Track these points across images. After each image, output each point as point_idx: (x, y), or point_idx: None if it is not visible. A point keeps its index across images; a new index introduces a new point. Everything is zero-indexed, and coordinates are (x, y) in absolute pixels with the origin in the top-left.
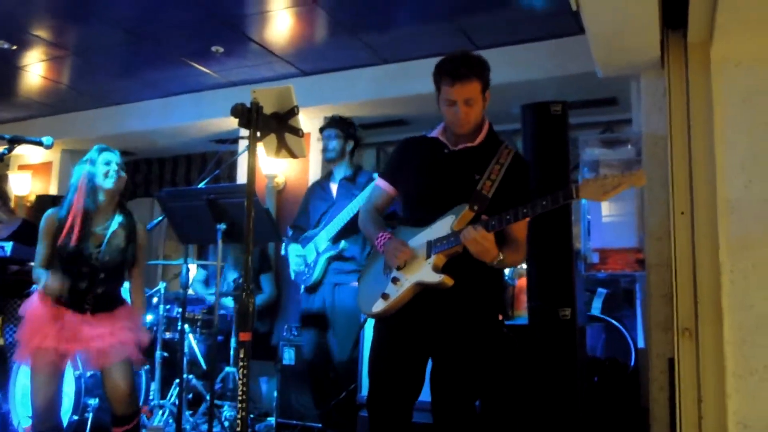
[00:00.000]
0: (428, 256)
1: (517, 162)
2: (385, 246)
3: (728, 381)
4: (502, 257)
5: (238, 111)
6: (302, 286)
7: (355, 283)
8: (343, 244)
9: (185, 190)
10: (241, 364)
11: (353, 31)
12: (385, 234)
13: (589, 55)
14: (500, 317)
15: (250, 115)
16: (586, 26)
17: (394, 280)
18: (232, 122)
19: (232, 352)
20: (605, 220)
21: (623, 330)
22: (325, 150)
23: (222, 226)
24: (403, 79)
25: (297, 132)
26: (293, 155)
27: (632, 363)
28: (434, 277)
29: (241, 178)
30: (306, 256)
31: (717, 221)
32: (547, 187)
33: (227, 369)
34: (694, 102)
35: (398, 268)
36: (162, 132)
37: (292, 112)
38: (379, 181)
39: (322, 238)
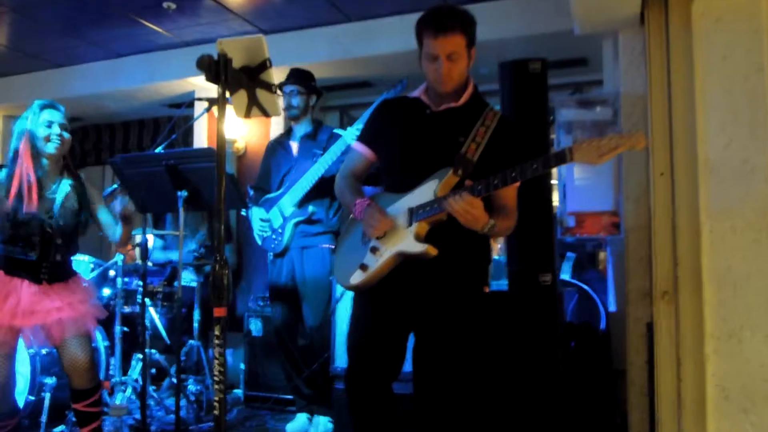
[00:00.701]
0: (409, 224)
1: (504, 125)
2: (363, 213)
3: (707, 343)
4: (492, 223)
5: (204, 63)
6: (270, 253)
7: (325, 245)
8: (311, 208)
9: (142, 155)
10: (217, 342)
11: None
12: (363, 200)
13: (559, 13)
14: (485, 290)
15: (218, 68)
16: None
17: (373, 250)
18: (186, 85)
19: (195, 325)
20: (580, 183)
21: (593, 294)
22: (288, 108)
23: (183, 194)
24: (368, 39)
25: (270, 87)
26: (266, 113)
27: (603, 327)
28: (417, 247)
29: (198, 143)
30: (271, 220)
31: (697, 182)
32: (527, 149)
33: (190, 342)
34: (674, 60)
35: (378, 238)
36: (111, 96)
37: (264, 65)
38: (356, 145)
39: (287, 203)
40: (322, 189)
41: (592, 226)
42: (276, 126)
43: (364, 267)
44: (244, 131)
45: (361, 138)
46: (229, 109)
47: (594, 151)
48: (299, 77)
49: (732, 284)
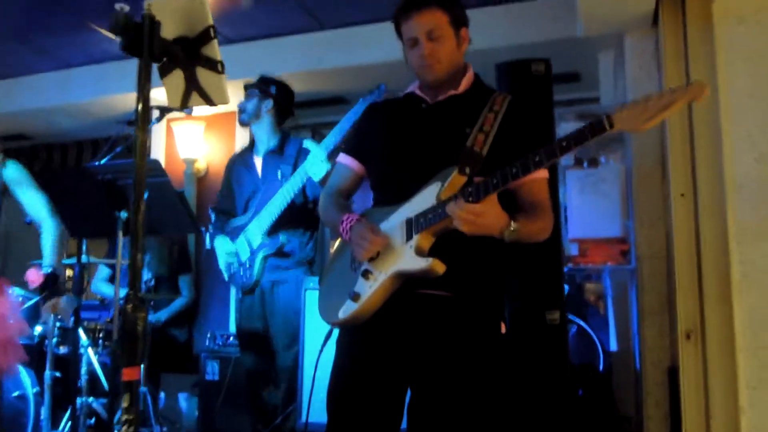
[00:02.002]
0: (409, 238)
1: (517, 108)
2: (351, 232)
3: (741, 394)
4: (514, 227)
5: (119, 22)
6: (239, 290)
7: (299, 279)
8: (282, 238)
9: (72, 170)
10: (125, 418)
11: None
12: (351, 216)
13: (548, 21)
14: (503, 328)
15: (138, 33)
16: None
17: (366, 275)
18: (153, 102)
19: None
20: (583, 205)
21: (591, 332)
22: (240, 112)
23: (123, 215)
24: (343, 48)
25: (214, 65)
26: (209, 100)
27: (601, 368)
28: (418, 263)
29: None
30: (238, 253)
31: (724, 203)
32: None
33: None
34: (693, 64)
35: (369, 259)
36: (61, 110)
37: (207, 34)
38: (341, 158)
39: (255, 232)
40: (294, 215)
41: (597, 255)
42: (241, 143)
43: (355, 296)
44: (205, 150)
45: (348, 149)
46: (187, 125)
47: (639, 115)
48: (258, 80)
49: None
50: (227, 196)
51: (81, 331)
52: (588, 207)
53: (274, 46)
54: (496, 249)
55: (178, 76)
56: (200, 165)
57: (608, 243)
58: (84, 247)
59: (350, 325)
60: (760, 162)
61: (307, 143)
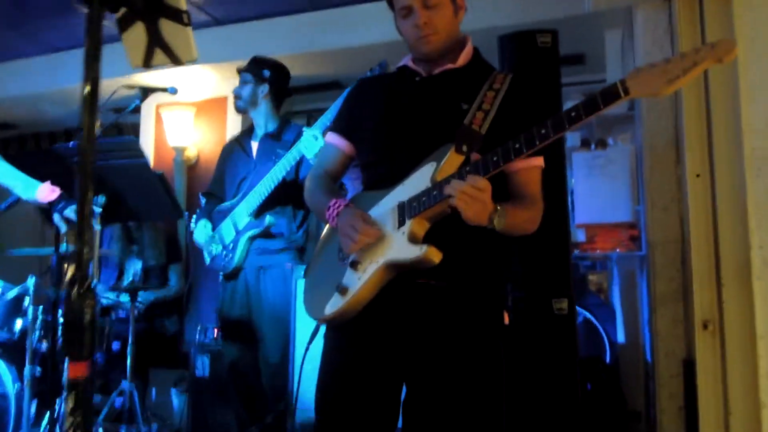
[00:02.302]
0: (401, 224)
1: (519, 86)
2: (338, 219)
3: (762, 387)
4: (499, 212)
5: None
6: (221, 274)
7: (288, 265)
8: (268, 219)
9: (41, 152)
10: (71, 422)
11: None
12: (339, 201)
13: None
14: (506, 318)
15: None
16: None
17: (354, 266)
18: (135, 84)
19: (129, 362)
20: (591, 189)
21: (596, 323)
22: (235, 98)
23: (100, 199)
24: (337, 29)
25: (179, 17)
26: (175, 58)
27: (608, 361)
28: (412, 251)
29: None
30: (222, 234)
31: (743, 184)
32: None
33: (124, 384)
34: (711, 36)
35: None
36: (49, 97)
37: None
38: (329, 137)
39: (242, 213)
40: (284, 196)
41: (605, 241)
42: (233, 130)
43: (343, 289)
44: (196, 137)
45: (335, 127)
46: (177, 112)
47: (658, 77)
48: (250, 63)
49: None
50: (218, 180)
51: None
52: (596, 191)
53: (265, 28)
54: (494, 235)
55: (138, 31)
56: (191, 153)
57: (617, 228)
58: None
59: (338, 321)
60: None
61: (307, 129)
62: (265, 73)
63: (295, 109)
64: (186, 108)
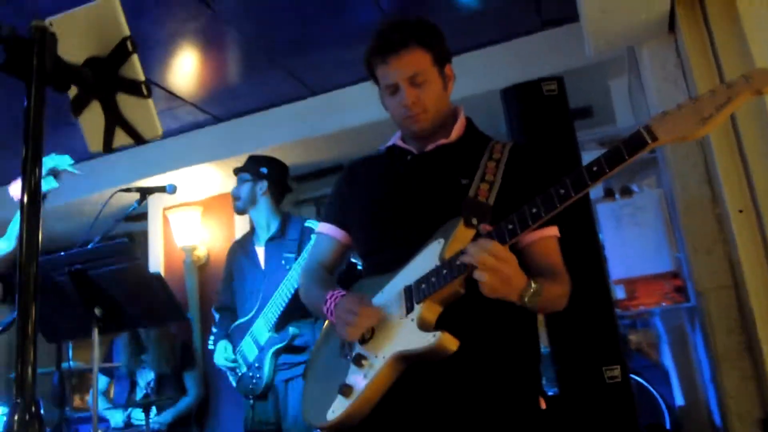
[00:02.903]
0: (409, 310)
1: (521, 153)
2: (335, 310)
3: None
4: (535, 287)
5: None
6: (250, 397)
7: None
8: (292, 330)
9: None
10: None
11: (270, 53)
12: (336, 293)
13: (552, 53)
14: (542, 404)
15: (25, 48)
16: None
17: (359, 361)
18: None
19: None
20: (624, 241)
21: (648, 386)
22: (234, 199)
23: (98, 311)
24: (335, 112)
25: (137, 88)
26: (137, 136)
27: (668, 426)
28: (424, 339)
29: (153, 261)
30: (245, 354)
31: None
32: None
33: None
34: (727, 65)
35: (362, 341)
36: (54, 213)
37: (124, 49)
38: (322, 228)
39: (261, 328)
40: (303, 304)
41: (648, 295)
42: (241, 225)
43: (346, 389)
44: (205, 236)
45: (328, 217)
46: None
47: (689, 119)
48: (247, 162)
49: None
50: (227, 289)
51: None
52: (629, 242)
53: (265, 119)
54: (516, 316)
55: (95, 111)
56: (200, 252)
57: (659, 280)
58: (69, 352)
59: (344, 428)
60: None
61: (310, 222)
62: (262, 170)
63: (303, 197)
64: (192, 208)
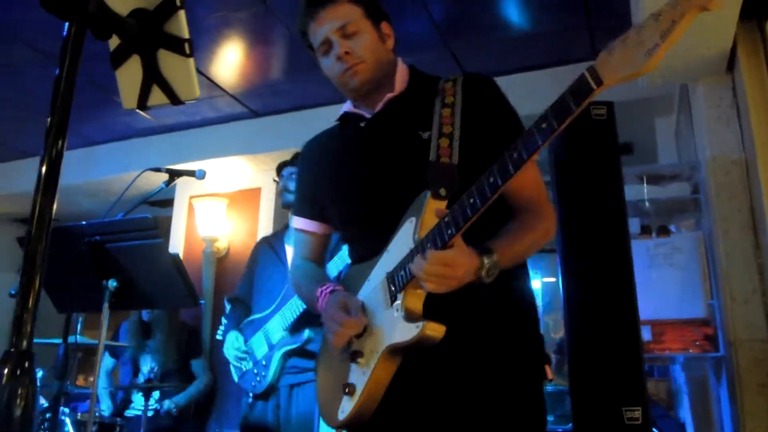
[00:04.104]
0: (393, 299)
1: (475, 88)
2: (324, 310)
3: None
4: (488, 263)
5: None
6: (250, 394)
7: None
8: (307, 333)
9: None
10: None
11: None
12: (324, 289)
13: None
14: (549, 373)
15: None
16: (638, 8)
17: (356, 358)
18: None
19: None
20: (657, 281)
21: None
22: (283, 191)
23: (112, 284)
24: None
25: (181, 46)
26: (174, 97)
27: None
28: (410, 331)
29: (175, 245)
30: (253, 349)
31: None
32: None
33: None
34: None
35: (357, 336)
36: (83, 189)
37: (172, 3)
38: (296, 223)
39: (276, 326)
40: None
41: (675, 340)
42: (265, 223)
43: (350, 389)
44: (227, 229)
45: (299, 211)
46: (209, 203)
47: (632, 52)
48: (297, 157)
49: None
50: (246, 283)
51: (68, 422)
52: (661, 282)
53: (302, 118)
54: (507, 280)
55: (134, 66)
56: (221, 244)
57: (689, 325)
58: (78, 327)
59: (356, 424)
60: None
61: None
62: None
63: None
64: (218, 199)
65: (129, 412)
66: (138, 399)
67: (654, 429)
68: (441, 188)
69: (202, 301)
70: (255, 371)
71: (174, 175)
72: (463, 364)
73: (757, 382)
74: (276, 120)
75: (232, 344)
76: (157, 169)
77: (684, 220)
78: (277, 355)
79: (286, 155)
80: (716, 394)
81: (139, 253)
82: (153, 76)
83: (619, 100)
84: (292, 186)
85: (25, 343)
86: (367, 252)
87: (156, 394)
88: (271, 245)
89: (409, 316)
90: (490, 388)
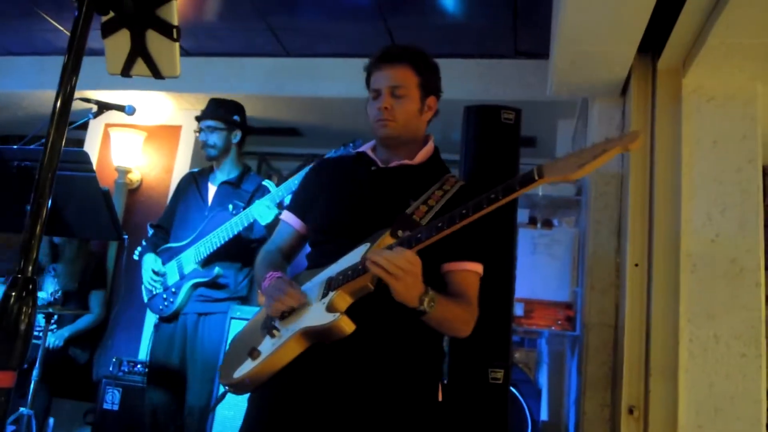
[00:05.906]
0: (324, 296)
1: (467, 192)
2: (267, 287)
3: None
4: (430, 295)
5: None
6: (156, 316)
7: (227, 313)
8: (218, 269)
9: None
10: None
11: (256, 3)
12: (275, 273)
13: (515, 81)
14: (439, 395)
15: None
16: (557, 30)
17: (272, 331)
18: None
19: (32, 387)
20: (534, 265)
21: (520, 398)
22: (204, 146)
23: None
24: (305, 78)
25: (169, 30)
26: (156, 71)
27: None
28: (324, 318)
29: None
30: (167, 276)
31: (678, 279)
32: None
33: (21, 410)
34: (659, 138)
35: (281, 317)
36: None
37: None
38: (285, 215)
39: (189, 258)
40: (235, 250)
41: (542, 318)
42: (182, 161)
43: (255, 353)
44: (142, 161)
45: (291, 206)
46: (126, 133)
47: (571, 164)
48: (217, 109)
49: (713, 407)
50: (169, 215)
51: None
52: (538, 268)
53: (234, 66)
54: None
55: (123, 37)
56: (134, 176)
57: (554, 306)
58: None
59: (245, 385)
60: (716, 242)
61: (267, 182)
62: (235, 118)
63: (247, 149)
64: (137, 131)
65: None
66: (38, 320)
67: (513, 389)
68: (399, 231)
69: (126, 236)
70: (164, 296)
71: (103, 108)
72: (359, 365)
73: (600, 360)
74: (205, 62)
75: (150, 265)
76: (87, 100)
77: (566, 216)
78: (187, 285)
79: (209, 98)
80: (569, 367)
81: (70, 184)
82: (139, 50)
83: (531, 99)
84: (210, 140)
85: (30, 269)
86: (322, 260)
87: (63, 332)
88: (196, 182)
89: (330, 309)
90: (382, 392)
